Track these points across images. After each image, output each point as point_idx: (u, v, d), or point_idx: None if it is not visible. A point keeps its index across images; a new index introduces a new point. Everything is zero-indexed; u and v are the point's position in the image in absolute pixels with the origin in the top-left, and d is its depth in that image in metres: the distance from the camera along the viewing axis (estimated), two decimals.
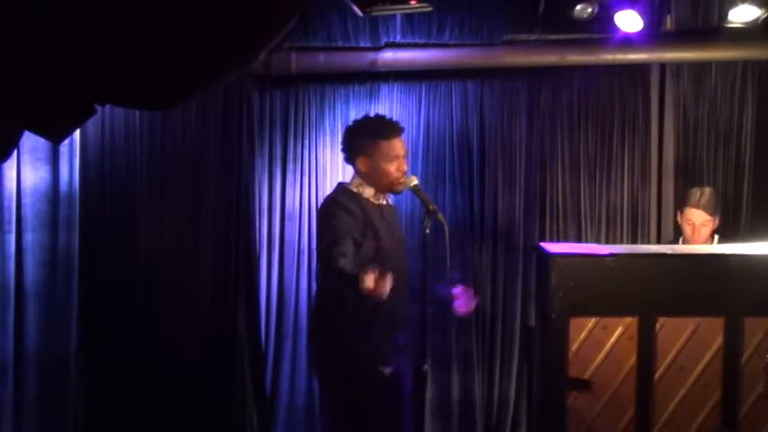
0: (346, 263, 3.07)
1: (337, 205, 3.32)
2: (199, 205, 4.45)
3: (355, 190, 3.41)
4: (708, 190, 4.22)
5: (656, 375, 2.99)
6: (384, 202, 3.47)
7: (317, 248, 3.45)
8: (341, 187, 3.48)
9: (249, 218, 4.54)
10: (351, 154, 3.45)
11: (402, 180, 3.39)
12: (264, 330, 4.64)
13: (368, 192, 3.41)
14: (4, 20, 1.43)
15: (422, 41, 4.57)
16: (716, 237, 4.22)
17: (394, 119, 3.64)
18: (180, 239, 4.42)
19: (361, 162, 3.40)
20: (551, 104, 4.72)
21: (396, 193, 3.48)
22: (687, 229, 4.20)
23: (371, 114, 3.81)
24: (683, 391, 2.99)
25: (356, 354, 3.22)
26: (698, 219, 4.14)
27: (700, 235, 4.14)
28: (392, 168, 3.36)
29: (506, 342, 4.71)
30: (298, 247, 4.65)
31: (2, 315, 3.67)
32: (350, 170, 3.67)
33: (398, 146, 3.39)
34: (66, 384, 3.92)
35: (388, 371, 3.33)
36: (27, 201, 3.79)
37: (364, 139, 3.40)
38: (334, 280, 3.22)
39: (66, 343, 3.91)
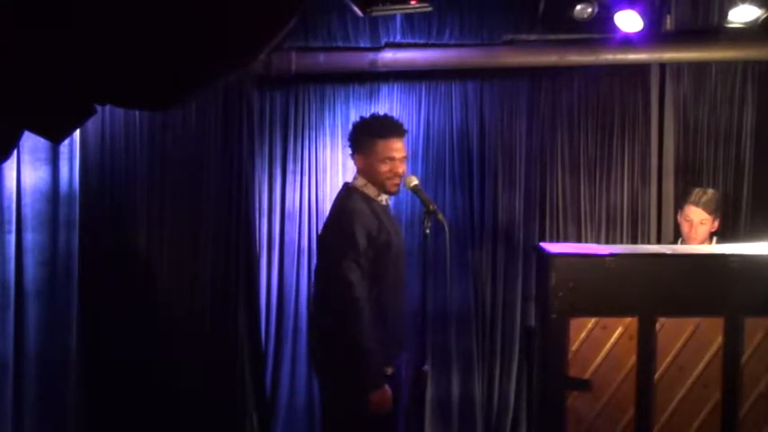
0: (360, 285, 3.20)
1: (351, 211, 3.31)
2: (199, 205, 4.45)
3: (362, 189, 3.42)
4: (710, 191, 4.21)
5: (656, 375, 2.99)
6: (386, 203, 3.47)
7: (328, 252, 3.41)
8: (348, 188, 3.47)
9: (249, 218, 4.54)
10: (351, 151, 3.50)
11: (395, 182, 3.39)
12: (264, 331, 4.64)
13: (372, 191, 3.42)
14: (4, 20, 1.43)
15: (422, 41, 4.58)
16: (714, 238, 4.22)
17: (399, 120, 3.59)
18: (180, 239, 4.42)
19: (357, 160, 3.46)
20: (551, 104, 4.72)
21: (390, 194, 3.47)
22: (685, 226, 4.19)
23: (376, 114, 3.76)
24: (682, 391, 2.99)
25: (377, 357, 3.20)
26: (696, 216, 4.14)
27: (697, 233, 4.13)
28: (384, 168, 3.36)
29: (506, 342, 4.71)
30: (298, 247, 4.65)
31: (2, 315, 3.66)
32: (350, 171, 3.67)
33: (395, 147, 3.38)
34: (67, 384, 3.91)
35: (389, 371, 3.33)
36: (27, 201, 3.79)
37: (363, 137, 3.44)
38: (341, 288, 3.23)
39: (66, 343, 3.90)
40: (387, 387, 3.22)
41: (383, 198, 3.44)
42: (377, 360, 3.20)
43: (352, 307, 3.18)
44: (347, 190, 3.46)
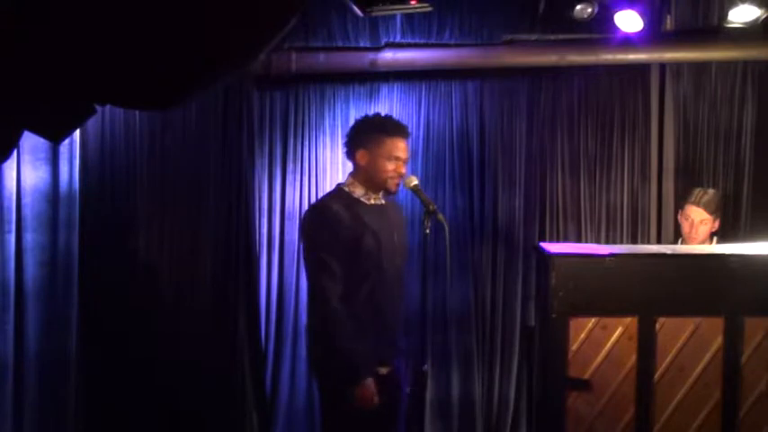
0: (331, 288, 3.20)
1: (322, 215, 3.31)
2: (199, 205, 4.45)
3: (347, 189, 3.40)
4: (711, 191, 4.22)
5: (656, 375, 2.99)
6: (379, 202, 3.44)
7: (305, 258, 3.44)
8: (338, 188, 3.47)
9: (249, 218, 4.54)
10: (352, 147, 3.43)
11: (397, 182, 3.37)
12: (264, 330, 4.64)
13: (359, 191, 3.39)
14: (4, 20, 1.43)
15: (422, 41, 4.58)
16: (715, 238, 4.22)
17: (404, 123, 3.57)
18: (180, 239, 4.42)
19: (360, 155, 3.38)
20: (551, 104, 4.72)
21: (389, 194, 3.44)
22: (685, 226, 4.20)
23: (380, 114, 3.72)
24: (682, 391, 2.99)
25: (354, 354, 3.21)
26: (697, 216, 4.14)
27: (697, 233, 4.14)
28: (389, 167, 3.34)
29: (506, 342, 4.71)
30: (298, 248, 4.65)
31: (2, 315, 3.66)
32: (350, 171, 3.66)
33: (400, 146, 3.37)
34: (66, 384, 3.91)
35: (384, 371, 3.33)
36: (27, 201, 3.78)
37: (368, 133, 3.39)
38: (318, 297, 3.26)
39: (66, 343, 3.90)
40: (369, 381, 3.19)
41: (372, 197, 3.40)
42: (354, 357, 3.18)
43: (323, 306, 3.22)
44: (336, 189, 3.47)
